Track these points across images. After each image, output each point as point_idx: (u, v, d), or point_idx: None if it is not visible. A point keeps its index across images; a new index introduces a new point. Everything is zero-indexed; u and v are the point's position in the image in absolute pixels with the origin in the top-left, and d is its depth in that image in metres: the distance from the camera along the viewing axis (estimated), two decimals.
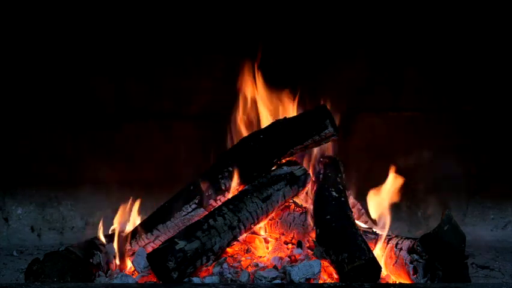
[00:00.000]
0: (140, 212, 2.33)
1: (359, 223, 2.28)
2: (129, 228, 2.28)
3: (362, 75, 2.93)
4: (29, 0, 2.80)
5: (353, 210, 2.21)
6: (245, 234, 2.15)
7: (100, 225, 2.21)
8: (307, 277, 1.88)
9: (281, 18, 2.85)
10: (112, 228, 2.26)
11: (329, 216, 2.05)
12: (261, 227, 2.29)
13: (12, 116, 2.94)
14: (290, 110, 2.45)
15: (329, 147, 2.46)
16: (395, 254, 2.01)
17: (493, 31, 2.89)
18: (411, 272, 1.90)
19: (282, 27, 2.85)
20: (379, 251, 2.07)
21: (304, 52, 2.89)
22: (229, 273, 1.96)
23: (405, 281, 1.95)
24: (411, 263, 1.91)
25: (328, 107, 2.24)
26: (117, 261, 2.14)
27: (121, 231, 2.25)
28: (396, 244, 2.03)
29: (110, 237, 2.19)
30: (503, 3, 2.82)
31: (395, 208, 2.32)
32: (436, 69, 2.95)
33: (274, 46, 2.80)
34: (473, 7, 2.84)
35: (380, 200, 2.29)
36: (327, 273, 1.99)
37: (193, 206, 2.19)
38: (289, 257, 2.12)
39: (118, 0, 2.83)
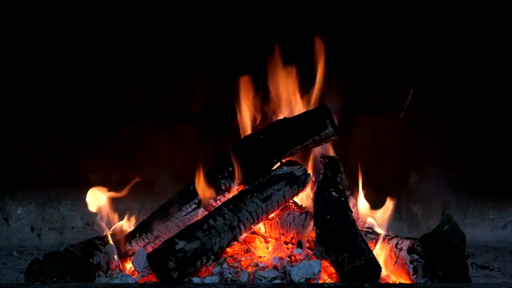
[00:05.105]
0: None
1: (359, 223, 2.28)
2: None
3: (362, 75, 2.93)
4: (30, 1, 2.80)
5: (352, 210, 2.21)
6: (245, 234, 2.15)
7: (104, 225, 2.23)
8: (307, 277, 1.88)
9: (280, 19, 2.85)
10: (112, 228, 2.26)
11: (329, 216, 2.05)
12: (261, 227, 2.29)
13: (12, 116, 2.94)
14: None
15: (329, 148, 2.46)
16: (395, 254, 2.01)
17: (493, 32, 2.89)
18: (411, 272, 1.90)
19: (281, 27, 2.85)
20: (379, 251, 2.07)
21: (304, 51, 2.88)
22: (229, 273, 1.95)
23: (405, 281, 1.95)
24: (411, 263, 1.91)
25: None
26: (117, 262, 2.14)
27: (121, 231, 2.26)
28: (396, 244, 2.03)
29: (111, 237, 2.19)
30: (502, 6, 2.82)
31: (395, 208, 2.34)
32: (436, 69, 2.95)
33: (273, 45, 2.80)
34: (472, 8, 2.84)
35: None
36: (327, 273, 1.99)
37: (193, 206, 2.19)
38: (289, 257, 2.11)
39: (119, 1, 2.83)
